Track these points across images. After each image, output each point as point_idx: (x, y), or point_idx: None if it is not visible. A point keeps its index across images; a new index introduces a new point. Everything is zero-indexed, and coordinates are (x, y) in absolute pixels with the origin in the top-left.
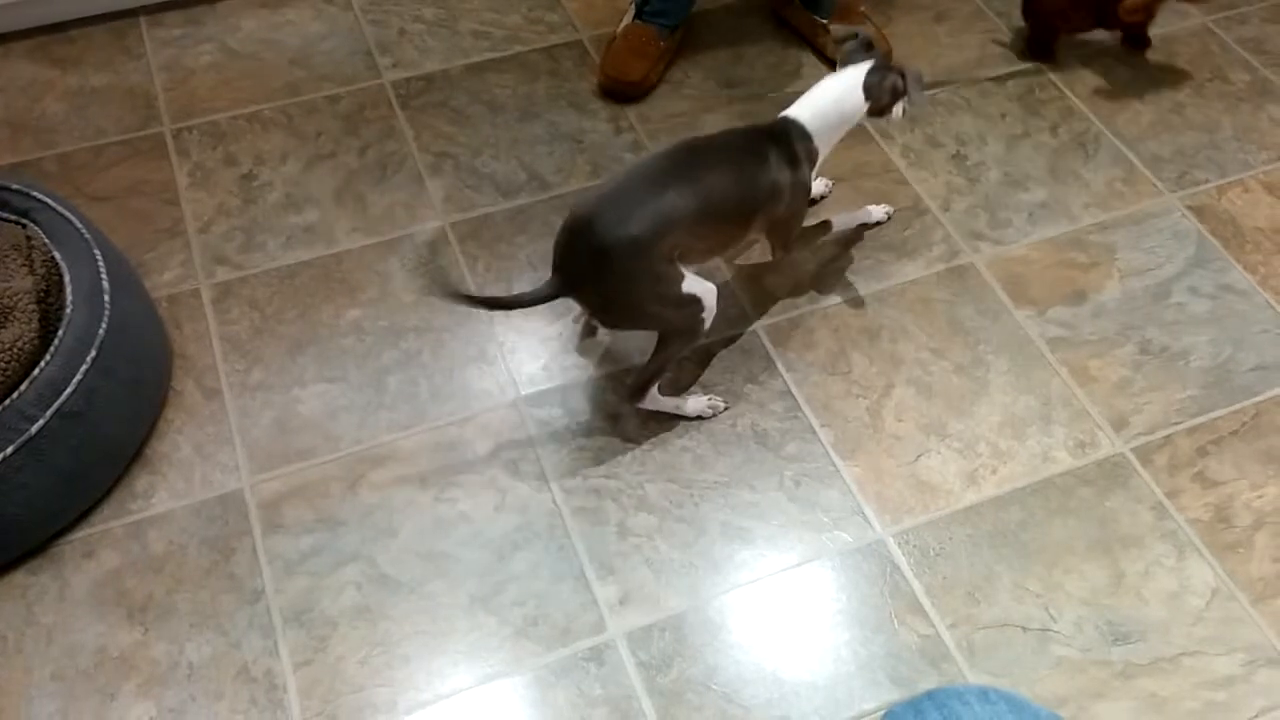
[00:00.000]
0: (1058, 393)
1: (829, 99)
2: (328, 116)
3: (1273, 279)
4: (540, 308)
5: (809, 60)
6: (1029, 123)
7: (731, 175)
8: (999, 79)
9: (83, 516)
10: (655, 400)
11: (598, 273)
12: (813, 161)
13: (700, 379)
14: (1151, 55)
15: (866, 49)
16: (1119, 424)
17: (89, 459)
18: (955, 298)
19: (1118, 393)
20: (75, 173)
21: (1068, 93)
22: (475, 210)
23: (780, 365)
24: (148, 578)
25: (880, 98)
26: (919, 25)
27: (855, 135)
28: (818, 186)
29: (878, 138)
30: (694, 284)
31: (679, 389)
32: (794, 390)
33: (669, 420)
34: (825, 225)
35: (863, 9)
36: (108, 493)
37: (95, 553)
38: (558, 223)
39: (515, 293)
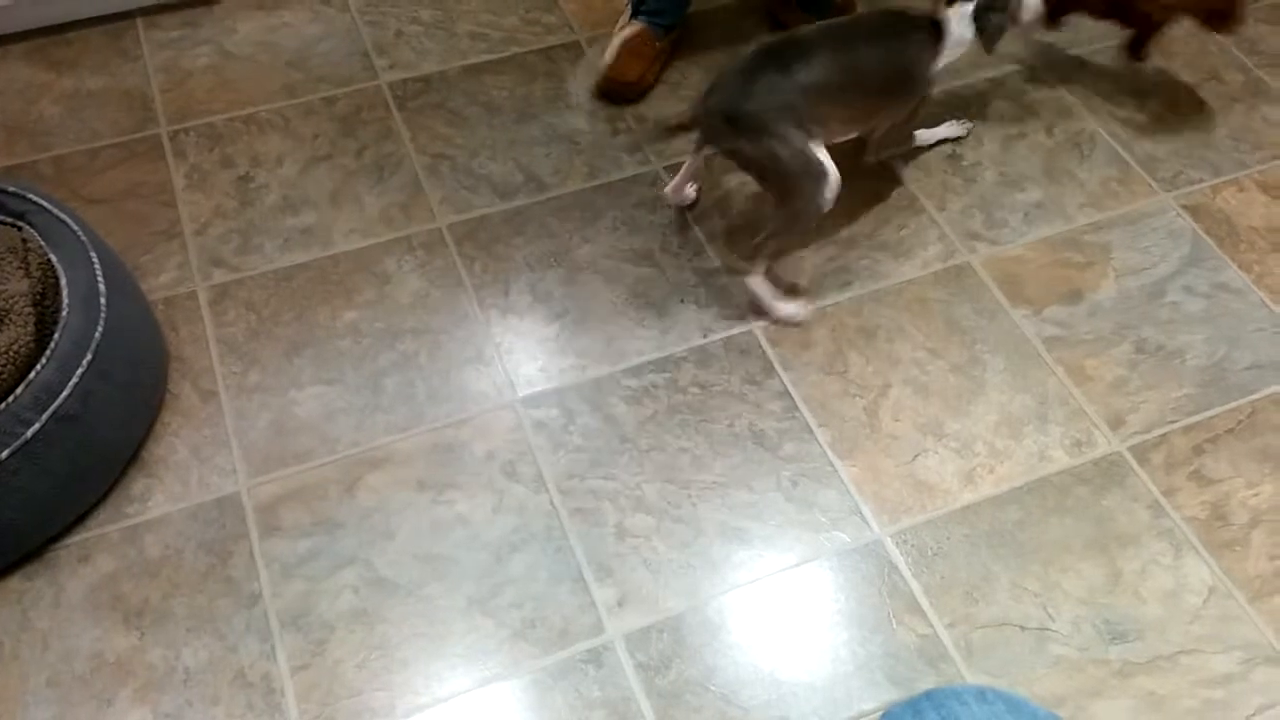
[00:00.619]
0: (1054, 392)
1: (965, 19)
2: (325, 118)
3: (1267, 277)
4: (537, 308)
5: None
6: (1025, 123)
7: (886, 56)
8: (995, 79)
9: (78, 521)
10: (759, 283)
11: (745, 98)
12: (939, 62)
13: (698, 379)
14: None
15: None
16: (1115, 423)
17: (85, 463)
18: (952, 297)
19: (1114, 392)
20: (71, 175)
21: (1063, 92)
22: (473, 211)
23: (777, 365)
24: (144, 582)
25: (988, 30)
26: None
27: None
28: (955, 128)
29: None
30: (823, 156)
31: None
32: (791, 390)
33: (666, 421)
34: (913, 136)
35: (861, 8)
36: (104, 496)
37: (91, 557)
38: (556, 225)
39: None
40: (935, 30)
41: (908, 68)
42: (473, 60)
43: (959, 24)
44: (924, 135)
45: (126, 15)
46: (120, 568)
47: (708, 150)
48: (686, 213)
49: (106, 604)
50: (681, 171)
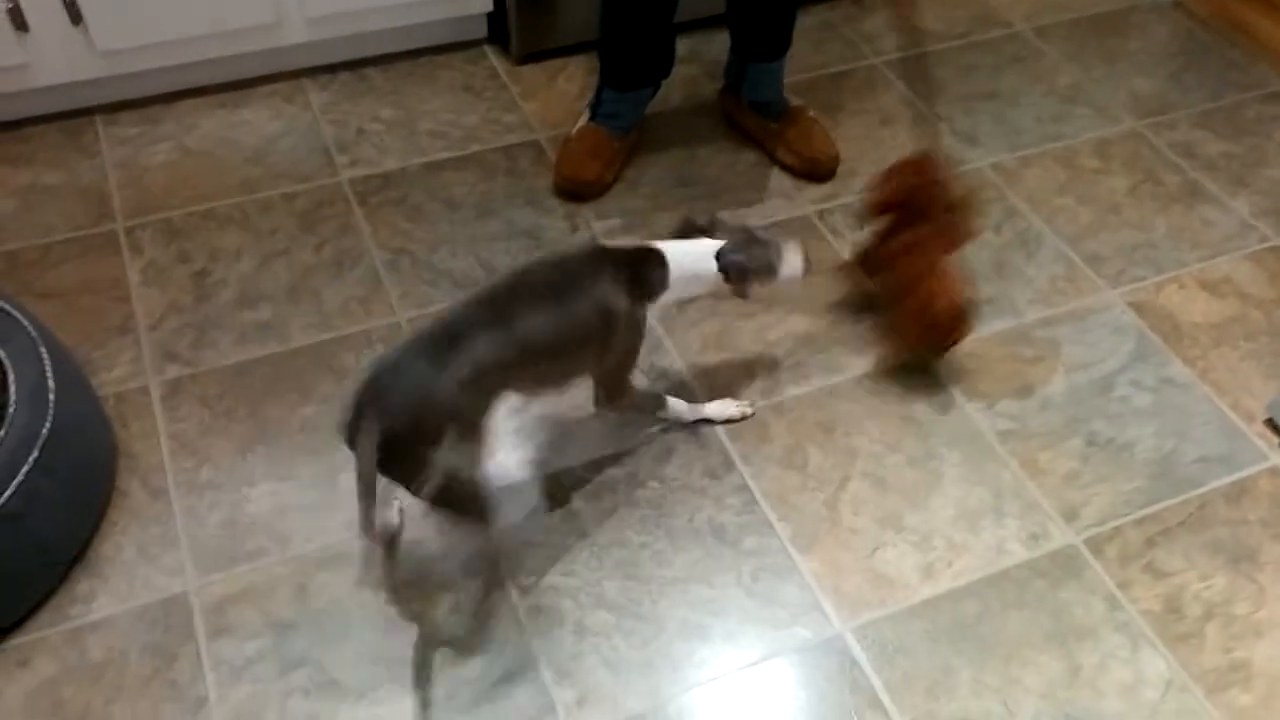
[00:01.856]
0: (1009, 485)
1: (693, 252)
2: (284, 213)
3: (1211, 373)
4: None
5: (760, 160)
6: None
7: (570, 305)
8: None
9: (18, 623)
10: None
11: (409, 418)
12: (654, 299)
13: (658, 473)
14: (1086, 159)
15: (747, 243)
16: (1069, 515)
17: (27, 563)
18: (907, 391)
19: (1067, 485)
20: (24, 270)
21: (1008, 193)
22: (432, 306)
23: (737, 459)
24: (85, 687)
25: (739, 277)
26: (865, 129)
27: (805, 233)
28: (730, 409)
29: (828, 235)
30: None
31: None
32: (751, 484)
33: (627, 516)
34: (659, 399)
35: (811, 113)
36: (46, 598)
37: (30, 661)
38: None
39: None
40: (641, 265)
41: (590, 319)
42: (433, 157)
43: (695, 260)
44: (680, 407)
45: (86, 112)
46: (61, 672)
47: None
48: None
49: (45, 710)
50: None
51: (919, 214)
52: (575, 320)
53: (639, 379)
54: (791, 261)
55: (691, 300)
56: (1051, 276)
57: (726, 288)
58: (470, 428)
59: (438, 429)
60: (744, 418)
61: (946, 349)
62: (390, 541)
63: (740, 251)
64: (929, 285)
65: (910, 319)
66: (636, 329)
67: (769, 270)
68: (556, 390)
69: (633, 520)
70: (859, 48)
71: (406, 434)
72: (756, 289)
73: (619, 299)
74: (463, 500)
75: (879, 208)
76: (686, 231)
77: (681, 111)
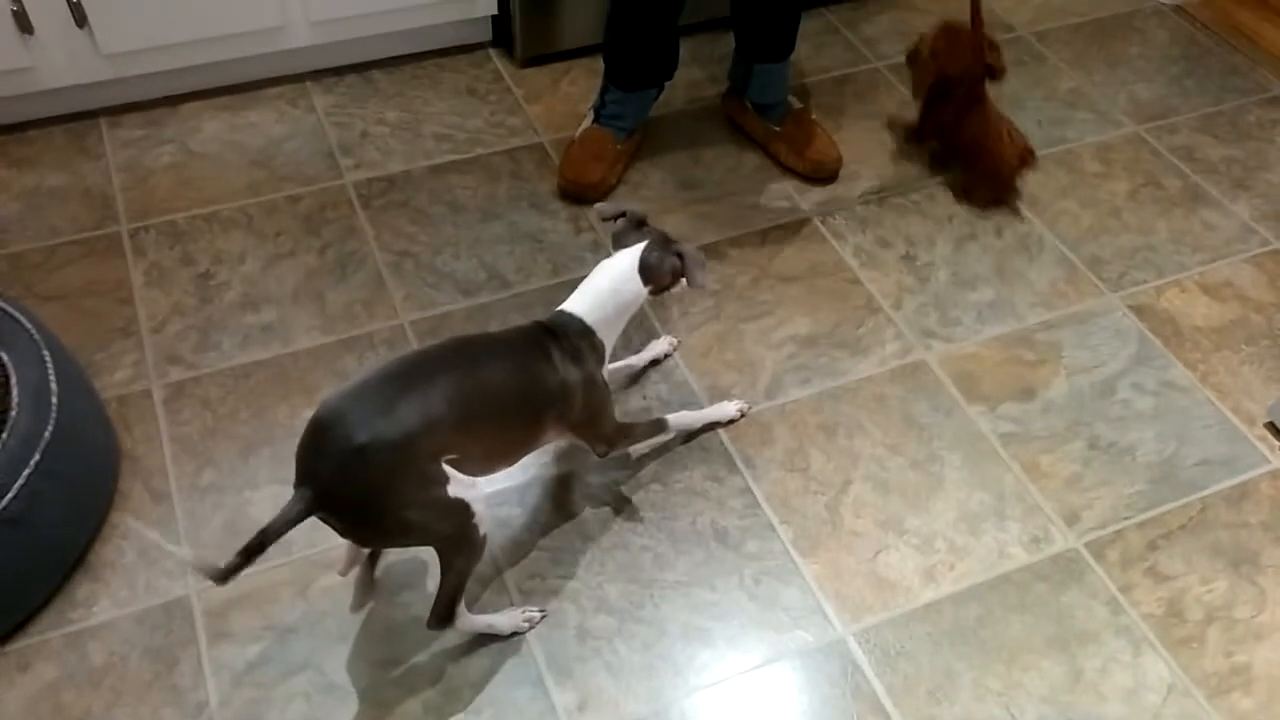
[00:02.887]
0: (1011, 488)
1: (606, 288)
2: (288, 216)
3: (1212, 376)
4: None
5: (763, 163)
6: (975, 225)
7: (507, 373)
8: (946, 184)
9: (19, 627)
10: (468, 620)
11: (349, 477)
12: (600, 355)
13: (660, 476)
14: (1087, 163)
15: (638, 227)
16: (1071, 519)
17: (28, 566)
18: (909, 394)
19: (1069, 488)
20: (27, 272)
21: (1010, 197)
22: (435, 309)
23: (739, 462)
24: (86, 691)
25: (661, 279)
26: (868, 132)
27: (807, 236)
28: (660, 345)
29: (830, 238)
30: (460, 488)
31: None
32: (753, 487)
33: (629, 519)
34: (659, 424)
35: (813, 117)
36: (47, 601)
37: (31, 665)
38: (518, 321)
39: (260, 530)
40: (570, 338)
41: (543, 387)
42: (438, 160)
43: (615, 295)
44: (683, 419)
45: (90, 114)
46: (62, 676)
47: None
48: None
49: (46, 714)
50: (345, 557)
51: (960, 79)
52: (532, 392)
53: (639, 403)
54: (693, 259)
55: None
56: (1053, 280)
57: (648, 296)
58: (415, 487)
59: (401, 481)
60: (742, 415)
61: (1015, 182)
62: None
63: (656, 255)
64: (993, 140)
65: (990, 173)
66: (596, 387)
67: (677, 274)
68: (508, 463)
69: (634, 523)
70: (860, 51)
71: (367, 502)
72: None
73: (569, 373)
74: (418, 542)
75: (926, 86)
76: (626, 231)
77: (684, 114)
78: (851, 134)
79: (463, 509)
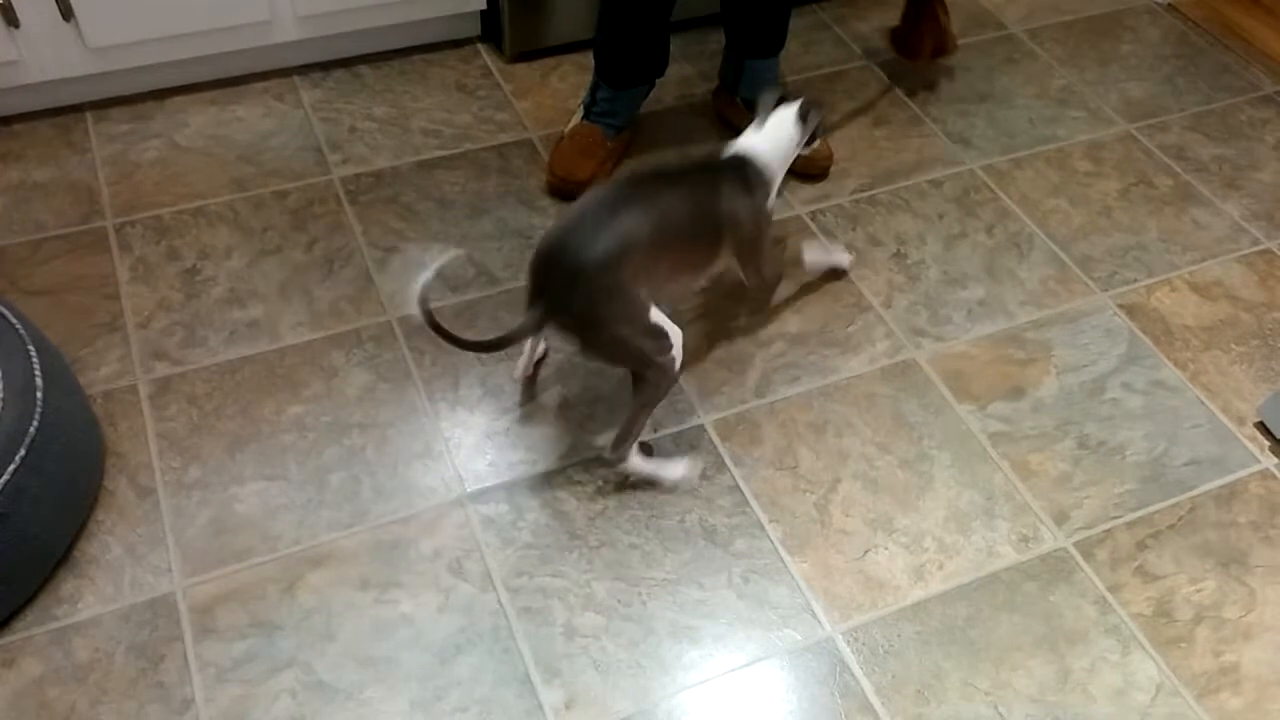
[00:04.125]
0: (1000, 487)
1: (774, 133)
2: (275, 211)
3: (1202, 375)
4: (487, 402)
5: None
6: (966, 223)
7: (689, 200)
8: (936, 181)
9: (4, 624)
10: (636, 462)
11: (572, 293)
12: (767, 191)
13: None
14: (1078, 162)
15: (786, 99)
16: (1060, 518)
17: (12, 562)
18: (899, 393)
19: (1058, 487)
20: (12, 267)
21: (1001, 195)
22: None
23: (728, 460)
24: (71, 688)
25: (812, 129)
26: (859, 129)
27: (797, 233)
28: (841, 257)
29: (820, 235)
30: (661, 318)
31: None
32: (742, 485)
33: (617, 517)
34: (798, 259)
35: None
36: (31, 598)
37: (16, 662)
38: (507, 318)
39: (501, 335)
40: (745, 173)
41: (720, 212)
42: (426, 156)
43: (779, 140)
44: (814, 256)
45: (76, 108)
46: (46, 672)
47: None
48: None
49: (31, 711)
50: (525, 354)
51: None
52: (706, 223)
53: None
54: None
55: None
56: (1043, 278)
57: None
58: (627, 299)
59: (612, 301)
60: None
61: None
62: (532, 374)
63: (810, 109)
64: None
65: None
66: (763, 217)
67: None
68: (684, 288)
69: (623, 521)
70: (851, 48)
71: (585, 314)
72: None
73: (743, 204)
74: (626, 358)
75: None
76: (767, 108)
77: (674, 111)
78: (842, 131)
79: (663, 334)
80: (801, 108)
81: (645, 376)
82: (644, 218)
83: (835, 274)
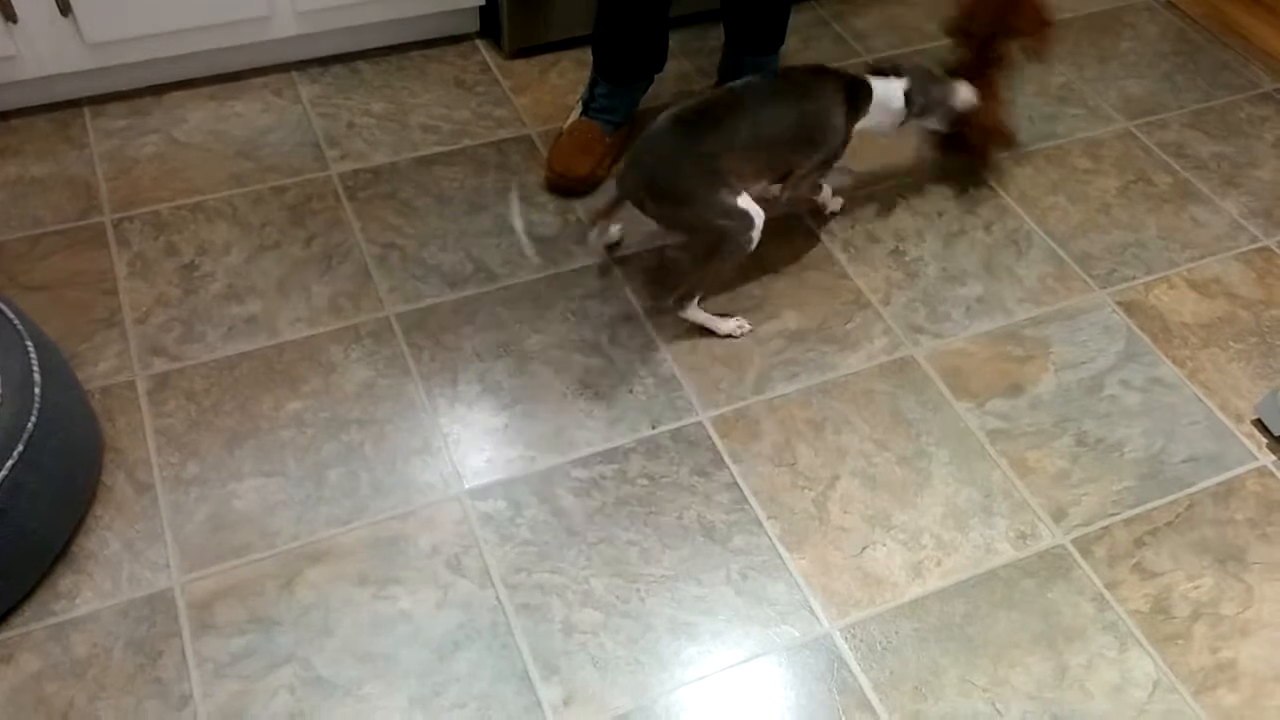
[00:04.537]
0: (998, 484)
1: (891, 89)
2: (273, 207)
3: (1200, 373)
4: (485, 398)
5: None
6: (964, 220)
7: (808, 107)
8: (935, 178)
9: (2, 619)
10: (695, 312)
11: (668, 174)
12: (858, 120)
13: (647, 470)
14: (1077, 159)
15: (927, 83)
16: (1058, 515)
17: (11, 558)
18: (897, 390)
19: (1056, 484)
20: (10, 262)
21: (1000, 192)
22: (422, 301)
23: (726, 456)
24: (69, 683)
25: (917, 109)
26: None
27: (795, 230)
28: (831, 202)
29: (818, 232)
30: (747, 203)
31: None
32: (740, 482)
33: (615, 513)
34: (819, 190)
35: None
36: (29, 593)
37: (14, 657)
38: (505, 314)
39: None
40: (856, 90)
41: (822, 123)
42: (424, 152)
43: (888, 94)
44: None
45: (74, 103)
46: (44, 668)
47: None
48: (615, 267)
49: (29, 707)
50: (603, 211)
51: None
52: (806, 124)
53: (626, 397)
54: (963, 94)
55: (876, 131)
56: (1041, 275)
57: (911, 121)
58: (726, 183)
59: (702, 183)
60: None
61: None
62: (610, 247)
63: (922, 91)
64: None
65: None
66: (843, 140)
67: (943, 105)
68: (771, 178)
69: (621, 517)
70: (850, 45)
71: (675, 188)
72: (935, 122)
73: (840, 114)
74: (707, 233)
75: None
76: (879, 72)
77: None
78: None
79: (745, 216)
80: (908, 90)
81: (720, 249)
82: (755, 117)
83: (822, 215)
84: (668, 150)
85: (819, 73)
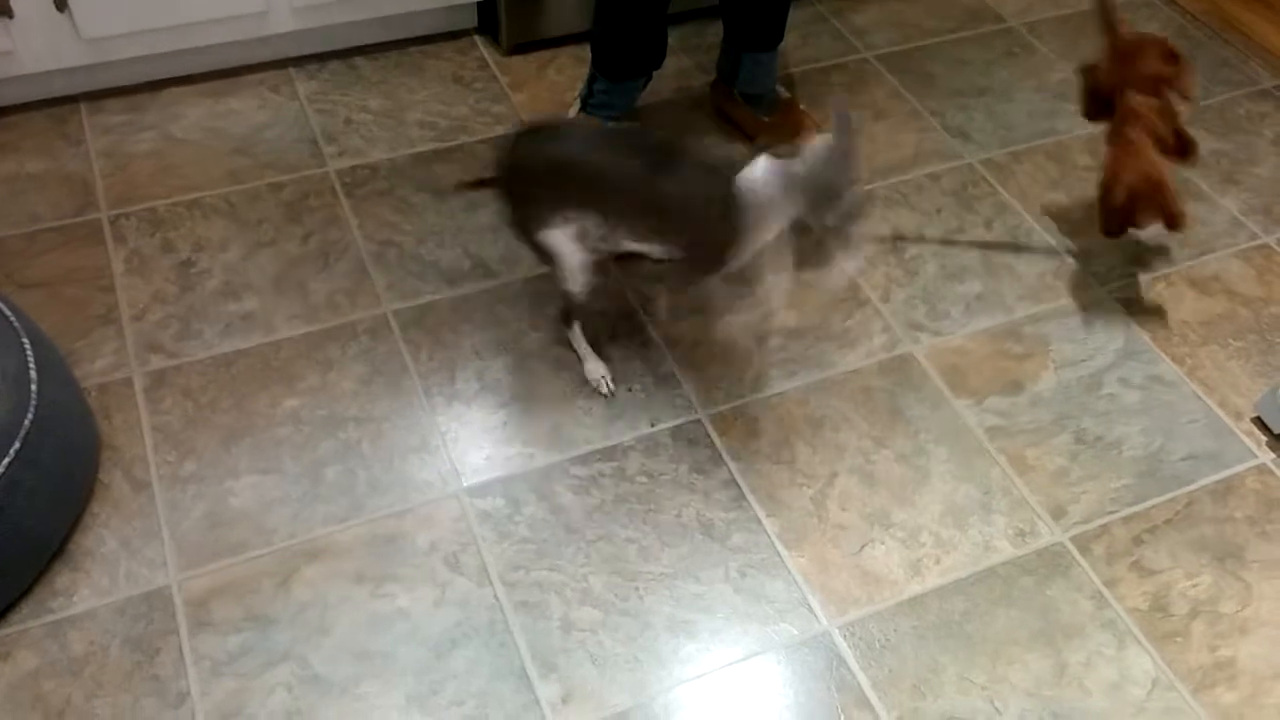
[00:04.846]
0: (997, 482)
1: (772, 176)
2: (270, 204)
3: (1199, 370)
4: (484, 396)
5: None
6: (964, 217)
7: (680, 197)
8: (934, 175)
9: None
10: (573, 336)
11: (508, 182)
12: (748, 232)
13: (646, 468)
14: (1077, 156)
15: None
16: (1057, 513)
17: (8, 556)
18: (896, 387)
19: (1055, 482)
20: (7, 259)
21: (1000, 189)
22: (420, 298)
23: (725, 454)
24: (66, 681)
25: (819, 209)
26: (858, 123)
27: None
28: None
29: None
30: (556, 241)
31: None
32: (739, 479)
33: (614, 511)
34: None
35: (803, 107)
36: (26, 591)
37: (11, 654)
38: (504, 311)
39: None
40: (728, 187)
41: (677, 212)
42: (422, 149)
43: (773, 182)
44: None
45: (70, 100)
46: (42, 665)
47: None
48: (613, 265)
49: (26, 704)
50: (469, 184)
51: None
52: (655, 203)
53: (625, 395)
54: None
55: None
56: (1041, 273)
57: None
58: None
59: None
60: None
61: (1119, 229)
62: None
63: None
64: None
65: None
66: (718, 256)
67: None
68: (603, 240)
69: (620, 515)
70: (850, 41)
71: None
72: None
73: (719, 222)
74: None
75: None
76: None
77: (672, 104)
78: None
79: (559, 256)
80: (787, 170)
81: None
82: (613, 178)
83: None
84: (517, 159)
85: (712, 170)
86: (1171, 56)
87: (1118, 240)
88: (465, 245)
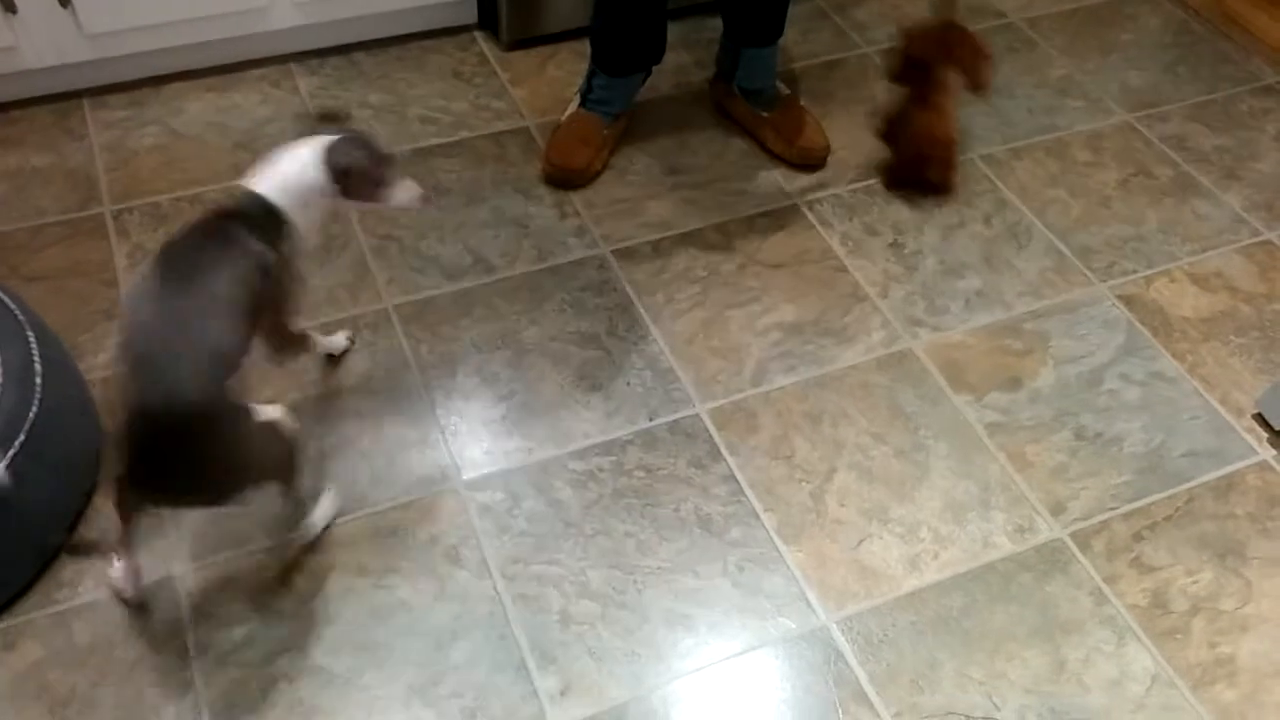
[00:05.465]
0: (996, 478)
1: (286, 171)
2: None
3: (1200, 367)
4: (483, 390)
5: (750, 149)
6: (963, 213)
7: (215, 265)
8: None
9: (5, 607)
10: (318, 520)
11: (183, 448)
12: (294, 241)
13: (644, 463)
14: (1077, 151)
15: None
16: (1056, 509)
17: (14, 547)
18: (895, 383)
19: (1055, 478)
20: (11, 253)
21: (999, 185)
22: (420, 293)
23: (724, 449)
24: (72, 670)
25: (351, 184)
26: (856, 119)
27: (794, 222)
28: (338, 340)
29: (817, 225)
30: (261, 410)
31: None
32: (737, 474)
33: (613, 505)
34: (306, 338)
35: (802, 103)
36: (32, 581)
37: (17, 644)
38: (503, 306)
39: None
40: (261, 219)
41: (240, 269)
42: (422, 143)
43: (300, 181)
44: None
45: (74, 94)
46: (47, 655)
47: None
48: (611, 259)
49: (32, 693)
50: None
51: (935, 81)
52: (236, 292)
53: (624, 389)
54: (406, 187)
55: (329, 216)
56: (1041, 269)
57: (341, 200)
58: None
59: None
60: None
61: (905, 181)
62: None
63: (347, 154)
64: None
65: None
66: (293, 272)
67: (378, 182)
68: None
69: (618, 509)
70: (850, 37)
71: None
72: (366, 203)
73: (265, 256)
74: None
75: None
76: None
77: (671, 99)
78: (840, 120)
79: (273, 427)
80: (330, 152)
81: (281, 479)
82: (209, 311)
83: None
84: (168, 412)
85: (217, 228)
86: (985, 54)
87: (1117, 238)
88: (465, 240)
